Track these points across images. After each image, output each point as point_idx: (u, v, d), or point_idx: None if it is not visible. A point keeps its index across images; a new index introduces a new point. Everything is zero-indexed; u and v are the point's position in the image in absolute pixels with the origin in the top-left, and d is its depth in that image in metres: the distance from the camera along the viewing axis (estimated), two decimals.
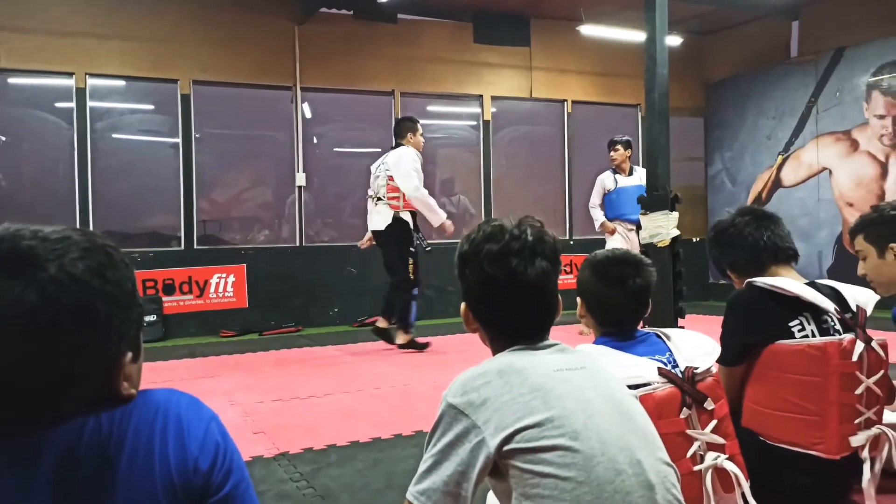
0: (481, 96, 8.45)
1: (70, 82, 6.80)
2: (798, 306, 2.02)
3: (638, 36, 7.26)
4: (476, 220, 8.07)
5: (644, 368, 1.64)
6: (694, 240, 7.60)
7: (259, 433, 3.39)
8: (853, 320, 2.04)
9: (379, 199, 5.71)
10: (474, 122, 8.59)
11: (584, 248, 7.69)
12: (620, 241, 6.37)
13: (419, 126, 5.92)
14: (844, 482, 2.06)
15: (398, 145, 5.84)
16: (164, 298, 6.90)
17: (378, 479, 2.72)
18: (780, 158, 8.62)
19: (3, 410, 0.83)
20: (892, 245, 2.18)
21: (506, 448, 1.14)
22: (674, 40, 8.23)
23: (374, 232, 5.81)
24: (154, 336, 6.64)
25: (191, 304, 7.08)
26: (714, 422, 1.67)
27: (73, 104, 6.81)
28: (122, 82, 7.12)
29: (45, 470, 0.82)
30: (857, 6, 7.76)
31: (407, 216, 5.67)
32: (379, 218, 5.70)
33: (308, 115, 7.83)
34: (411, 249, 5.64)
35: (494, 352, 1.35)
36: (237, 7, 7.31)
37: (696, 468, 1.63)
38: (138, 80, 7.10)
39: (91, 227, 6.21)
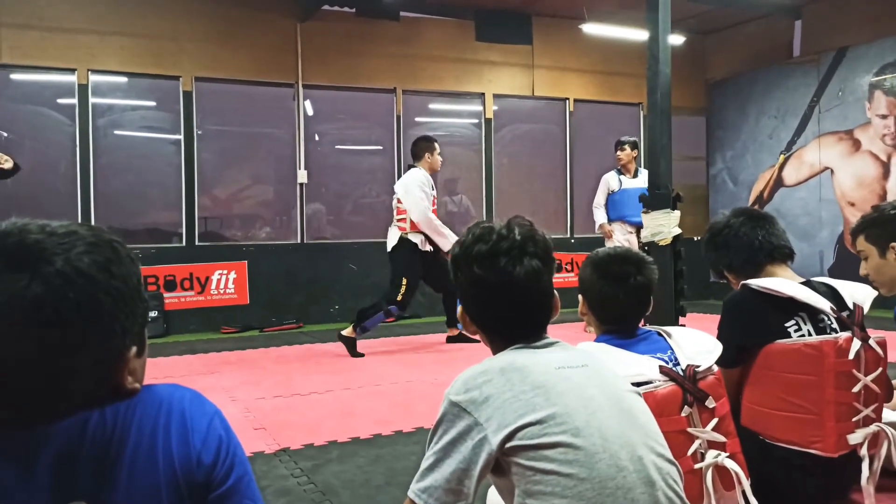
0: (483, 94, 8.45)
1: (72, 79, 6.80)
2: (793, 306, 2.02)
3: (640, 35, 7.25)
4: (477, 219, 8.07)
5: (645, 366, 1.65)
6: (695, 238, 7.59)
7: (260, 429, 3.39)
8: (850, 318, 2.02)
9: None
10: (476, 120, 8.58)
11: (586, 247, 7.70)
12: (619, 243, 6.35)
13: (436, 145, 5.77)
14: (844, 480, 2.06)
15: (413, 166, 5.77)
16: (166, 295, 6.91)
17: (379, 475, 2.72)
18: (781, 158, 8.61)
19: (5, 403, 0.82)
20: (893, 245, 2.18)
21: (508, 445, 1.15)
22: (676, 39, 8.22)
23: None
24: (155, 332, 6.64)
25: (192, 300, 7.09)
26: (715, 420, 1.68)
27: (75, 100, 6.81)
28: (124, 79, 7.12)
29: (47, 463, 0.82)
30: (860, 6, 7.75)
31: (415, 238, 5.57)
32: (389, 237, 5.68)
33: (310, 112, 7.83)
34: (409, 273, 5.52)
35: (495, 352, 1.35)
36: (239, 4, 7.31)
37: (696, 466, 1.63)
38: (140, 77, 7.10)
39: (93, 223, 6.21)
